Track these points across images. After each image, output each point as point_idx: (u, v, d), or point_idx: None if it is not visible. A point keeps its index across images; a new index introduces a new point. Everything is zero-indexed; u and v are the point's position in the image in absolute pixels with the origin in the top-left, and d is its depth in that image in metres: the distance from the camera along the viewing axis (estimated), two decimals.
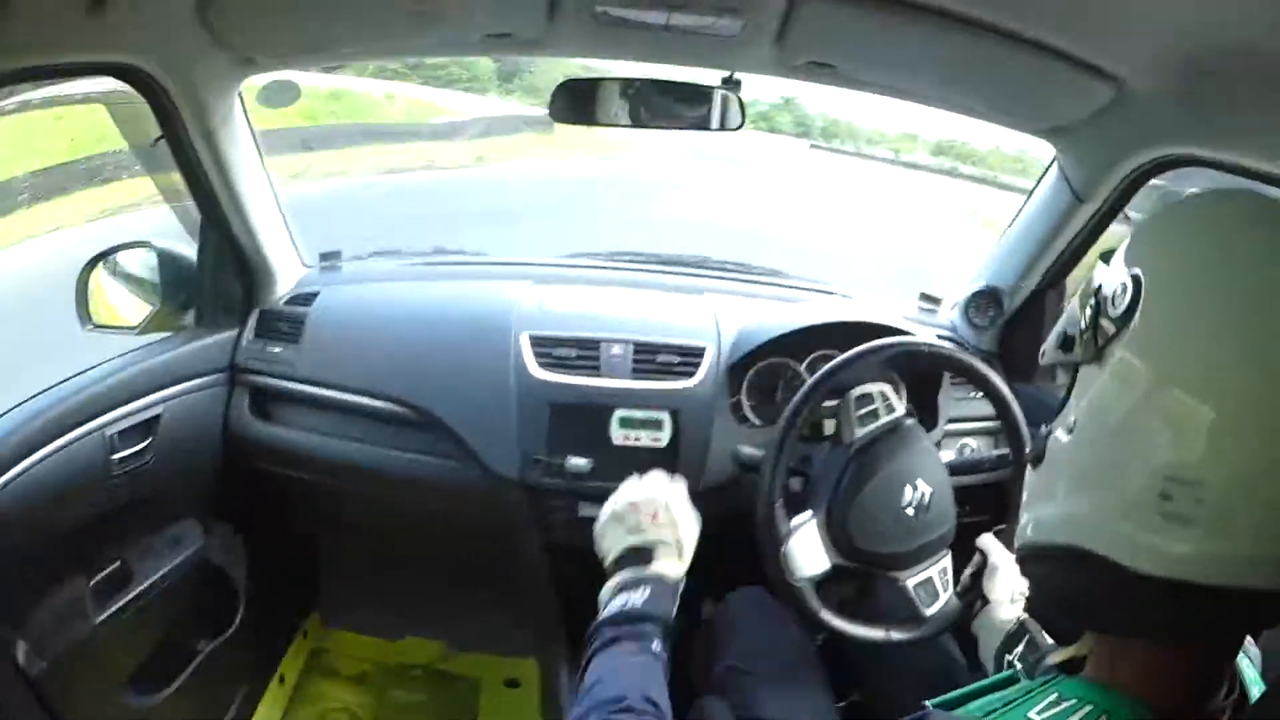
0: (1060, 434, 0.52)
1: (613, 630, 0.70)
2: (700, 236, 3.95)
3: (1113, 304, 0.49)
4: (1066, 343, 0.54)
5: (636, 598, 0.73)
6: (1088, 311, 0.51)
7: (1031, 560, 0.54)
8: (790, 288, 1.52)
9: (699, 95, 1.14)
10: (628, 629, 0.70)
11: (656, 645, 0.69)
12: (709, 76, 1.16)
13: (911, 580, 1.04)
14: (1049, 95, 1.03)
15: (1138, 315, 0.47)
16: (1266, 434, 0.42)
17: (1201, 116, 0.93)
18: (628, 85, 1.12)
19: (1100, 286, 0.50)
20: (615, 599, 0.74)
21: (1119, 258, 0.51)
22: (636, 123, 1.13)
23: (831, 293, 1.52)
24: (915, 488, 1.03)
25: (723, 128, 1.15)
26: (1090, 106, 1.02)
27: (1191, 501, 0.43)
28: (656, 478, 0.84)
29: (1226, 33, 0.76)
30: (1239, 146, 0.92)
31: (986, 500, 1.16)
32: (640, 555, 0.78)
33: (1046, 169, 1.25)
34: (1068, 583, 0.50)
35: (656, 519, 0.79)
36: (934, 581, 1.05)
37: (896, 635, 1.03)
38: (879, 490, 1.03)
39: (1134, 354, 0.47)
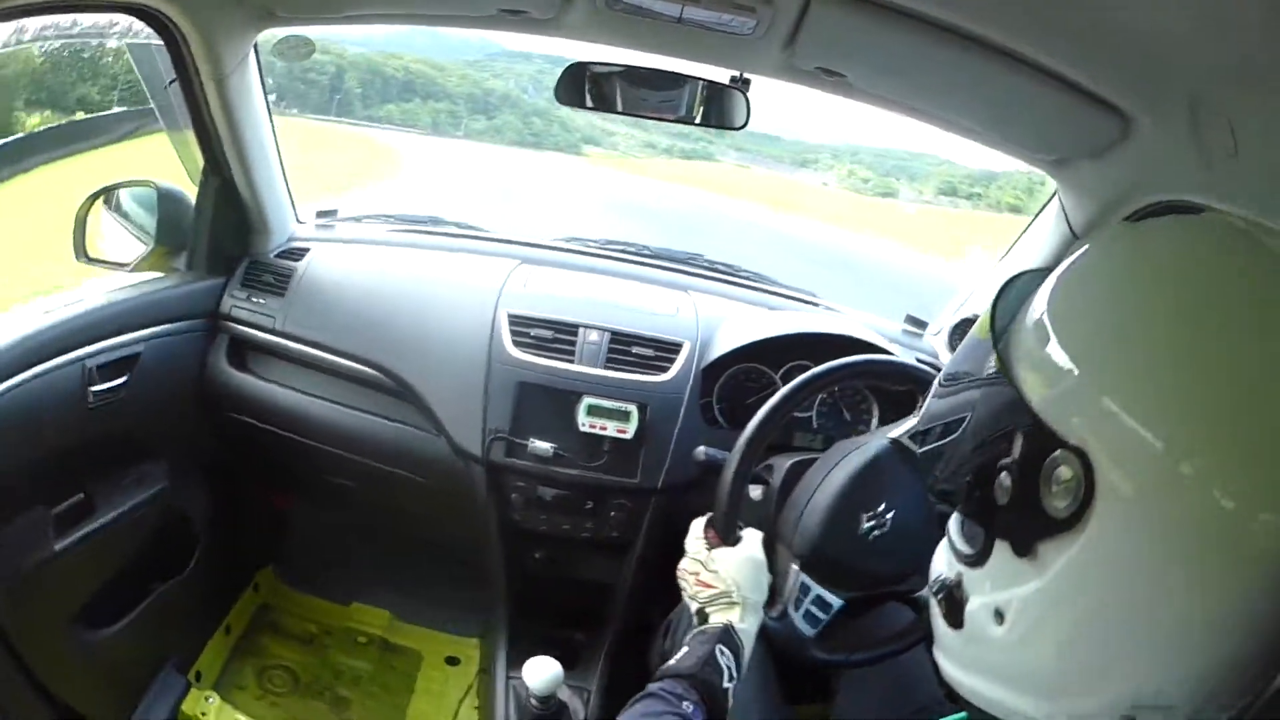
0: (981, 611, 0.46)
1: (653, 685, 0.72)
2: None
3: (1051, 490, 0.40)
4: (977, 504, 0.45)
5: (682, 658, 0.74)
6: (1005, 480, 0.42)
7: (971, 705, 0.50)
8: (777, 294, 1.51)
9: (705, 91, 1.13)
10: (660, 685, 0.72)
11: (688, 706, 0.69)
12: (719, 74, 1.16)
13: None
14: (1058, 127, 1.02)
15: (1091, 520, 0.39)
16: (1231, 642, 0.39)
17: (1208, 163, 0.91)
18: (633, 73, 1.11)
19: (1021, 451, 0.41)
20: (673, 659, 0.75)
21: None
22: (638, 112, 1.13)
23: (817, 304, 1.50)
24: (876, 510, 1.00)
25: (726, 126, 1.14)
26: (1098, 142, 1.01)
27: (1158, 718, 0.40)
28: (692, 535, 0.87)
29: (1239, 77, 0.75)
30: (1242, 197, 0.90)
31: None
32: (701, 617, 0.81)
33: (1046, 203, 1.24)
34: None
35: (701, 580, 0.82)
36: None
37: (854, 656, 0.98)
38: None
39: (1083, 566, 0.39)
